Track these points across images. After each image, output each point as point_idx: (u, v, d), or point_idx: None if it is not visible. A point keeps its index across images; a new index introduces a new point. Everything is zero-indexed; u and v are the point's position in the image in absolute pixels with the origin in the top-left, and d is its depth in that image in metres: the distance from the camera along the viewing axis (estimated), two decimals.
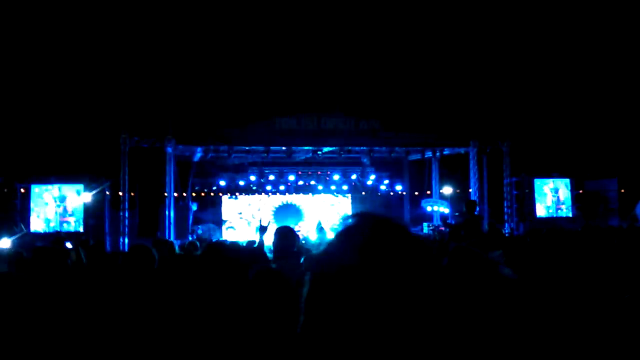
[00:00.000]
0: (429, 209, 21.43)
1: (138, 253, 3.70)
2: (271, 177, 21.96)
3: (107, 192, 18.21)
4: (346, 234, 1.08)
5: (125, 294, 3.31)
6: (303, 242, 10.50)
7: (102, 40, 18.99)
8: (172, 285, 3.38)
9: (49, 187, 16.89)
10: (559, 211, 20.14)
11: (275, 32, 17.08)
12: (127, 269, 3.64)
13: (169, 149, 17.44)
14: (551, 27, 21.17)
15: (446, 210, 20.48)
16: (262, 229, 6.20)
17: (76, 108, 18.41)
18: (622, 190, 22.31)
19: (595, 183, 20.97)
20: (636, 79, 21.01)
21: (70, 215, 16.88)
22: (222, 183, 21.73)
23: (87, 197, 17.01)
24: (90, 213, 17.41)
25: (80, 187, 17.02)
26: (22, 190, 17.14)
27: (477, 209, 13.53)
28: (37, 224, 16.55)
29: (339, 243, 1.07)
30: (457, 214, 17.53)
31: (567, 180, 20.36)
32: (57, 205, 16.82)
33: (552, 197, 20.20)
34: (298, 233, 8.72)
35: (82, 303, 3.16)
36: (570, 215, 19.93)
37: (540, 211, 19.91)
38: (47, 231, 16.17)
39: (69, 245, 9.57)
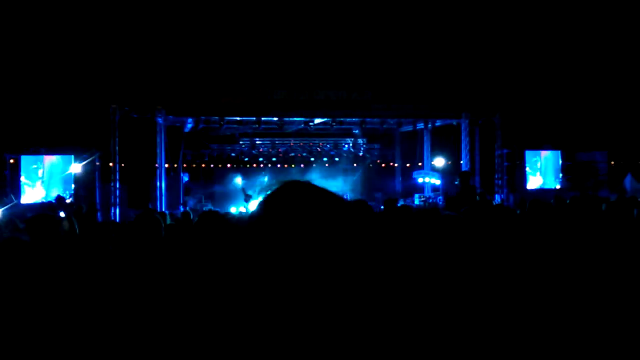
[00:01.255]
0: (420, 180, 21.51)
1: (146, 221, 3.70)
2: (262, 149, 21.93)
3: (97, 163, 18.12)
4: (268, 196, 1.12)
5: (134, 263, 3.32)
6: None
7: (93, 9, 18.65)
8: (179, 252, 3.39)
9: (39, 157, 16.78)
10: (549, 182, 20.29)
11: (269, 4, 16.85)
12: (135, 236, 3.64)
13: (160, 120, 17.32)
14: (543, 1, 21.04)
15: (437, 182, 20.57)
16: (247, 198, 6.22)
17: (66, 78, 18.17)
18: (612, 163, 22.48)
19: (585, 155, 21.10)
20: (627, 52, 21.00)
21: (60, 186, 16.80)
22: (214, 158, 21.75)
23: (77, 167, 16.92)
24: (81, 184, 17.34)
25: (71, 157, 16.92)
26: (12, 161, 17.00)
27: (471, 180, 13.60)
28: (29, 195, 16.48)
29: (261, 203, 1.12)
30: (456, 182, 17.60)
31: (558, 152, 20.47)
32: (47, 176, 16.73)
33: (542, 169, 20.33)
34: None
35: (85, 272, 3.17)
36: (560, 186, 20.08)
37: (531, 182, 20.06)
38: (38, 202, 16.11)
39: (61, 214, 9.55)
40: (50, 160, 16.99)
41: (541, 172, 20.29)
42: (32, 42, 18.73)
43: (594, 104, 21.74)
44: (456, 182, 13.09)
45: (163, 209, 16.34)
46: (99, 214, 16.39)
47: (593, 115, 21.77)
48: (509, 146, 19.44)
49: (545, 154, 20.37)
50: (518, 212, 8.92)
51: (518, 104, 19.83)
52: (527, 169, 20.03)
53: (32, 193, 16.58)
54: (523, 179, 19.95)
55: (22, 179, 16.50)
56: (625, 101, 21.57)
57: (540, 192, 19.25)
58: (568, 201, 7.62)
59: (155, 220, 3.75)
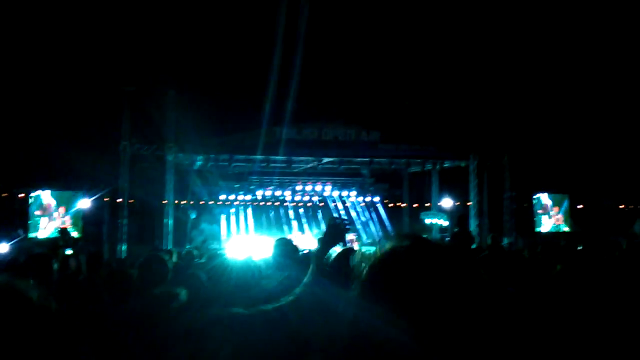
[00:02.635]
0: (427, 221, 21.39)
1: (153, 264, 3.67)
2: (268, 192, 21.96)
3: (106, 199, 18.20)
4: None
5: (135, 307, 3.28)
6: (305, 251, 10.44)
7: (102, 42, 19.03)
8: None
9: (48, 193, 16.83)
10: (558, 226, 20.13)
11: (277, 41, 17.14)
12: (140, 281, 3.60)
13: (169, 157, 17.43)
14: (549, 43, 21.27)
15: (445, 223, 20.45)
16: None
17: (76, 114, 18.43)
18: (622, 206, 22.33)
19: (594, 199, 20.99)
20: (633, 97, 21.08)
21: (69, 222, 16.80)
22: (222, 197, 21.81)
23: (86, 203, 16.97)
24: (89, 220, 17.38)
25: (80, 193, 16.99)
26: (21, 196, 17.10)
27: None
28: (36, 230, 16.45)
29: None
30: (456, 229, 17.50)
31: (566, 196, 20.38)
32: (54, 212, 16.74)
33: (550, 212, 20.20)
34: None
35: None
36: (568, 230, 19.92)
37: (539, 226, 19.91)
38: (45, 237, 16.09)
39: (68, 252, 9.52)
40: (59, 195, 17.01)
41: (547, 215, 20.16)
42: (42, 77, 19.06)
43: (603, 147, 21.73)
44: (455, 229, 13.04)
45: (170, 246, 16.30)
46: (105, 250, 16.37)
47: (601, 159, 21.72)
48: (517, 189, 19.39)
49: (553, 197, 20.27)
50: (526, 255, 8.84)
51: (527, 147, 19.86)
52: (540, 211, 19.91)
53: (40, 228, 16.53)
54: (531, 222, 19.82)
55: (31, 213, 16.47)
56: (634, 145, 21.55)
57: (549, 235, 19.09)
58: (580, 247, 7.53)
59: (162, 263, 3.71)
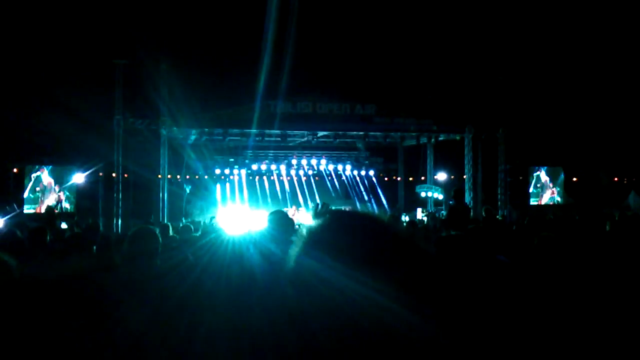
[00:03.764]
0: (423, 194, 21.49)
1: (143, 236, 3.67)
2: (263, 166, 21.97)
3: (101, 174, 18.16)
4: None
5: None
6: (297, 226, 10.50)
7: (93, 14, 18.76)
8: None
9: (46, 172, 16.83)
10: (552, 199, 20.27)
11: (271, 13, 16.92)
12: (130, 253, 3.61)
13: (163, 131, 17.36)
14: (544, 16, 21.11)
15: (440, 196, 20.55)
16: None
17: (69, 88, 18.25)
18: (615, 179, 22.45)
19: (588, 171, 21.10)
20: (632, 70, 21.02)
21: (63, 196, 16.82)
22: (217, 171, 21.83)
23: (81, 178, 16.94)
24: (84, 194, 17.37)
25: (74, 168, 16.96)
26: (15, 170, 17.05)
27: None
28: (36, 204, 16.51)
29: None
30: (450, 202, 17.63)
31: (560, 169, 20.47)
32: (44, 187, 16.75)
33: (542, 184, 20.32)
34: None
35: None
36: (562, 203, 20.06)
37: (536, 199, 20.04)
38: (37, 212, 16.13)
39: (63, 225, 9.55)
40: (53, 170, 17.01)
41: (544, 188, 20.27)
42: (36, 52, 18.83)
43: (597, 121, 21.74)
44: (450, 202, 13.13)
45: (165, 221, 16.32)
46: (100, 224, 16.38)
47: (596, 132, 21.76)
48: (511, 162, 19.43)
49: (548, 170, 20.36)
50: (514, 227, 8.92)
51: (522, 120, 19.85)
52: (538, 185, 20.04)
53: (47, 201, 16.65)
54: (526, 194, 19.93)
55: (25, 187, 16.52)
56: (629, 119, 21.57)
57: (543, 208, 19.22)
58: (577, 218, 7.59)
59: (152, 236, 3.72)
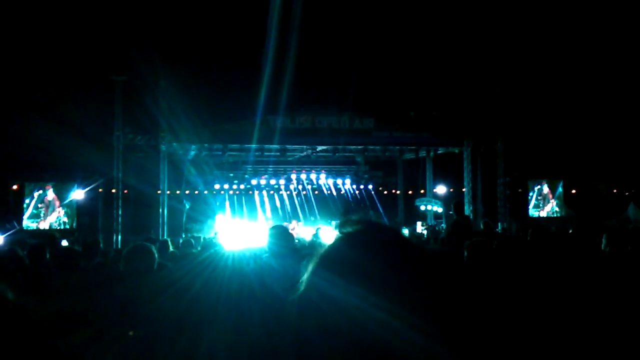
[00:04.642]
0: (422, 208, 21.49)
1: (139, 253, 3.68)
2: (262, 180, 22.00)
3: (100, 190, 18.16)
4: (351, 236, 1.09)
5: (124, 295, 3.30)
6: (297, 241, 10.51)
7: (92, 32, 18.87)
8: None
9: (51, 189, 16.87)
10: (552, 211, 20.27)
11: (270, 29, 17.04)
12: (127, 269, 3.61)
13: (163, 147, 17.40)
14: (542, 29, 21.24)
15: (439, 210, 20.55)
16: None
17: (69, 105, 18.31)
18: (614, 191, 22.46)
19: (587, 183, 21.12)
20: (630, 82, 21.11)
21: (65, 214, 16.84)
22: (217, 186, 21.85)
23: (80, 194, 16.95)
24: (83, 210, 17.36)
25: (74, 184, 16.98)
26: (15, 187, 17.07)
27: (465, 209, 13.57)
28: (38, 219, 16.55)
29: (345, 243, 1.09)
30: (450, 212, 17.66)
31: (560, 181, 20.49)
32: (49, 203, 16.77)
33: (544, 197, 20.33)
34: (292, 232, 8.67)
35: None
36: (562, 215, 20.05)
37: (533, 211, 20.04)
38: (44, 229, 16.15)
39: (64, 243, 9.53)
40: (53, 186, 17.05)
41: (545, 200, 20.28)
42: (36, 66, 18.92)
43: (596, 133, 21.79)
44: (450, 212, 13.14)
45: (165, 236, 16.31)
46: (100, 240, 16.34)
47: (595, 144, 21.80)
48: (510, 174, 19.45)
49: (548, 182, 20.39)
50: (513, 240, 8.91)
51: (520, 133, 19.89)
52: (539, 197, 20.06)
53: (50, 217, 16.71)
54: (525, 207, 19.93)
55: (25, 204, 16.55)
56: (627, 131, 21.63)
57: (543, 220, 19.21)
58: (570, 230, 7.60)
59: (149, 253, 3.73)
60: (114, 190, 16.90)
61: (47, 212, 16.71)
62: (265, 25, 17.18)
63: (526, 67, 20.84)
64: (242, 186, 22.52)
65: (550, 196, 20.36)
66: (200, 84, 19.98)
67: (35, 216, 16.62)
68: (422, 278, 1.02)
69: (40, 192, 16.78)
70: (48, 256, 5.14)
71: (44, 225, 16.40)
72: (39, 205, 16.64)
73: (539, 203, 20.21)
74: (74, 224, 16.82)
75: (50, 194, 16.79)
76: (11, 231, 13.77)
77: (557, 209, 20.32)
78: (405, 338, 0.96)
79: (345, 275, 1.01)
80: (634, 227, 8.15)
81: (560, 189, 20.47)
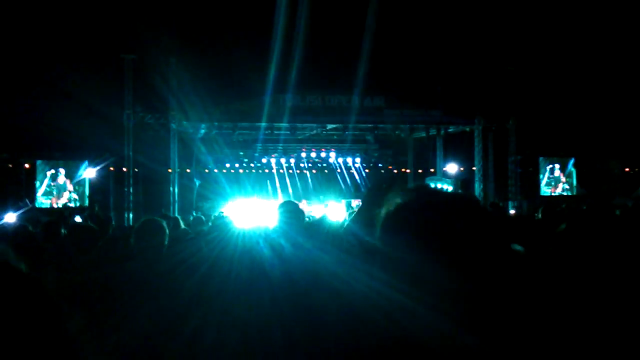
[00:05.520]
0: (432, 186, 21.41)
1: (150, 230, 3.69)
2: (272, 159, 22.01)
3: (112, 168, 18.26)
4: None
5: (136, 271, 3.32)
6: (307, 219, 10.52)
7: (107, 9, 18.81)
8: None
9: (54, 162, 16.97)
10: (563, 189, 20.14)
11: (280, 6, 16.89)
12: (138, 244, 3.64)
13: (173, 125, 17.42)
14: (557, 5, 20.89)
15: (450, 188, 20.46)
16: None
17: (80, 83, 18.34)
18: (626, 169, 22.26)
19: (599, 162, 20.93)
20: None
21: (74, 191, 16.97)
22: (227, 165, 21.91)
23: (92, 172, 17.05)
24: (95, 189, 17.48)
25: (85, 162, 17.07)
26: (27, 165, 17.19)
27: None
28: (51, 196, 16.71)
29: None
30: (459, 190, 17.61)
31: (572, 159, 20.32)
32: (61, 182, 16.90)
33: (556, 175, 20.18)
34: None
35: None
36: (573, 193, 19.93)
37: (545, 189, 19.92)
38: (57, 207, 16.32)
39: (78, 219, 9.61)
40: (64, 164, 17.16)
41: (557, 179, 20.15)
42: (47, 44, 18.91)
43: (608, 111, 21.53)
44: (459, 190, 13.09)
45: (176, 214, 16.40)
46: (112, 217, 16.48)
47: (607, 123, 21.55)
48: (522, 153, 19.30)
49: (560, 161, 20.23)
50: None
51: (532, 110, 19.69)
52: (551, 176, 19.92)
53: (63, 195, 16.87)
54: (537, 185, 19.81)
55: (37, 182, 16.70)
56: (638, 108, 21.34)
57: (554, 199, 19.10)
58: (584, 207, 7.54)
59: (158, 228, 3.74)
60: (125, 169, 16.99)
61: (60, 191, 16.85)
62: (275, 2, 17.04)
63: (539, 44, 20.54)
64: (252, 164, 22.54)
65: (562, 174, 20.20)
66: (211, 62, 19.91)
67: (48, 193, 16.77)
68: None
69: (53, 171, 16.88)
70: (64, 232, 5.20)
71: (56, 203, 16.55)
72: (52, 184, 16.77)
73: (551, 181, 20.07)
74: (86, 202, 16.93)
75: (62, 177, 16.90)
76: (24, 209, 13.90)
77: (567, 186, 20.18)
78: (415, 315, 0.95)
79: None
80: None
81: (570, 167, 20.29)
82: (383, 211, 1.07)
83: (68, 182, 16.90)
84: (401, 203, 1.05)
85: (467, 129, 19.60)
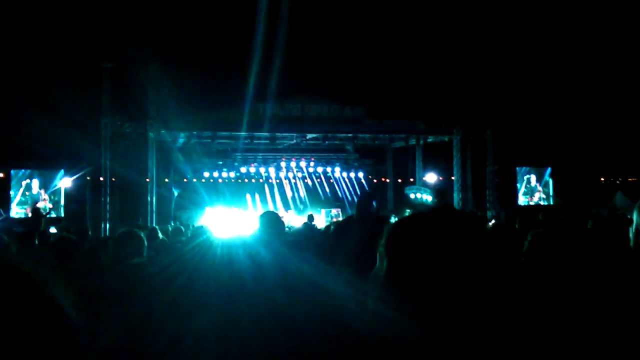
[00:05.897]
0: (412, 196, 21.51)
1: (128, 239, 3.63)
2: (252, 168, 21.92)
3: (88, 177, 18.01)
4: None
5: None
6: (287, 229, 10.48)
7: (84, 18, 18.62)
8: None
9: (29, 172, 16.67)
10: (540, 199, 20.36)
11: (260, 16, 16.91)
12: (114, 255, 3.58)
13: (151, 134, 17.25)
14: (530, 17, 21.25)
15: (429, 198, 20.58)
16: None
17: (56, 92, 18.10)
18: (602, 179, 22.63)
19: (575, 172, 21.23)
20: (619, 70, 21.20)
21: (50, 201, 16.68)
22: (206, 174, 21.75)
23: (68, 182, 16.79)
24: (71, 198, 17.20)
25: (61, 172, 16.80)
26: (1, 175, 16.87)
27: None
28: (25, 206, 16.39)
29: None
30: (435, 200, 17.85)
31: (548, 169, 20.57)
32: (38, 193, 16.61)
33: (533, 185, 20.41)
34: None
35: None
36: (550, 202, 20.16)
37: (522, 199, 20.13)
38: (28, 216, 15.99)
39: (53, 230, 9.44)
40: (40, 174, 16.88)
41: (534, 189, 20.37)
42: (23, 51, 18.65)
43: (584, 121, 21.90)
44: (435, 200, 13.22)
45: (154, 224, 16.22)
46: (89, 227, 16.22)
47: (583, 132, 21.92)
48: (500, 162, 19.51)
49: (537, 170, 20.46)
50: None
51: (509, 120, 19.95)
52: (528, 185, 20.12)
53: (21, 207, 16.50)
54: (514, 195, 20.01)
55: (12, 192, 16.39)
56: (616, 119, 21.75)
57: (531, 208, 19.31)
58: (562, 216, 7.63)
59: (136, 238, 3.69)
60: (101, 178, 16.76)
61: (32, 200, 16.53)
62: (254, 12, 17.04)
63: (513, 55, 20.85)
64: (231, 174, 22.41)
65: (538, 184, 20.44)
66: (190, 70, 19.82)
67: (23, 203, 16.45)
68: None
69: (28, 180, 16.58)
70: (37, 243, 5.11)
71: (30, 213, 16.23)
72: (27, 193, 16.46)
73: (528, 191, 20.29)
74: (62, 212, 16.65)
75: (36, 186, 16.60)
76: None
77: (544, 196, 20.42)
78: (394, 323, 0.95)
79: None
80: (622, 214, 8.18)
81: (547, 177, 20.55)
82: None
83: (42, 192, 16.61)
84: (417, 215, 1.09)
85: (446, 139, 19.76)
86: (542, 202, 20.15)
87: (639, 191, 18.54)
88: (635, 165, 22.63)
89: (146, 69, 16.65)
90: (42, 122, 16.51)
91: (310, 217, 15.31)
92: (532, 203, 20.16)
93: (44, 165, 17.01)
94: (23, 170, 16.70)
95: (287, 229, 11.27)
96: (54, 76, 18.39)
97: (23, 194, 16.49)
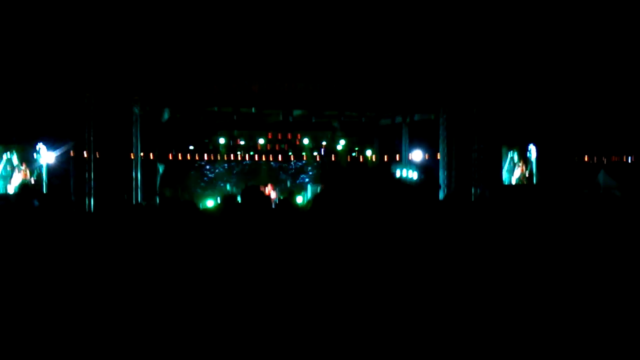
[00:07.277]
0: (398, 173, 21.63)
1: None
2: (240, 142, 21.82)
3: (72, 153, 17.83)
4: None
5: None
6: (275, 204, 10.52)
7: None
8: None
9: (10, 146, 16.45)
10: (522, 176, 20.52)
11: None
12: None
13: (136, 109, 17.08)
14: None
15: (415, 175, 20.73)
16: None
17: (38, 65, 17.79)
18: (586, 159, 22.85)
19: (560, 151, 21.40)
20: (604, 50, 21.26)
21: (32, 175, 16.49)
22: (191, 147, 21.59)
23: (50, 157, 16.60)
24: (54, 174, 17.02)
25: (43, 146, 16.59)
26: None
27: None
28: (8, 182, 16.20)
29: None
30: (422, 176, 17.96)
31: (531, 148, 20.70)
32: (18, 166, 16.40)
33: (518, 164, 20.55)
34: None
35: None
36: (534, 181, 20.33)
37: (508, 179, 20.27)
38: (12, 193, 15.84)
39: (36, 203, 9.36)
40: (22, 149, 16.66)
41: (517, 167, 20.51)
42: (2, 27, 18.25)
43: (569, 101, 22.00)
44: (421, 176, 13.33)
45: (139, 200, 16.18)
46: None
47: (567, 111, 22.03)
48: (485, 141, 19.60)
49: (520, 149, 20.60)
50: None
51: (496, 99, 19.97)
52: (511, 164, 20.25)
53: (16, 179, 16.35)
54: (499, 174, 20.15)
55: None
56: (601, 99, 21.88)
57: (516, 187, 19.50)
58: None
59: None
60: (85, 153, 16.60)
61: (14, 174, 16.33)
62: None
63: (501, 32, 20.82)
64: (217, 150, 22.32)
65: (522, 163, 20.59)
66: (175, 45, 19.56)
67: (3, 178, 16.24)
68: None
69: (8, 153, 16.34)
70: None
71: (10, 188, 16.04)
72: (8, 168, 16.24)
73: (512, 169, 20.43)
74: (44, 187, 16.47)
75: (15, 160, 16.38)
76: None
77: (527, 174, 20.58)
78: None
79: None
80: (604, 193, 8.32)
81: (530, 155, 20.69)
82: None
83: (24, 165, 16.40)
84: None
85: (432, 117, 19.79)
86: (525, 182, 20.32)
87: (622, 170, 18.77)
88: (618, 145, 22.88)
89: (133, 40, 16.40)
90: (23, 96, 16.26)
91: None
92: (514, 182, 20.32)
93: (26, 139, 16.76)
94: (4, 145, 16.46)
95: (273, 205, 11.28)
96: (35, 50, 18.06)
97: (5, 168, 16.29)
